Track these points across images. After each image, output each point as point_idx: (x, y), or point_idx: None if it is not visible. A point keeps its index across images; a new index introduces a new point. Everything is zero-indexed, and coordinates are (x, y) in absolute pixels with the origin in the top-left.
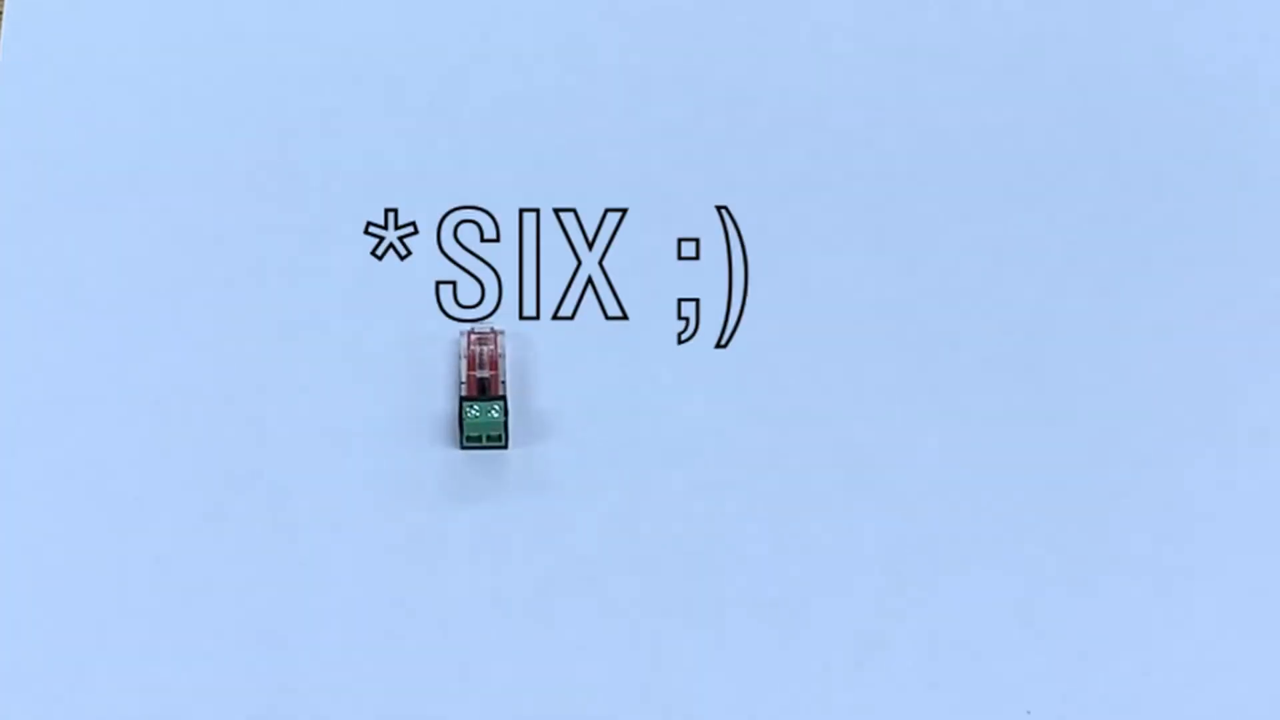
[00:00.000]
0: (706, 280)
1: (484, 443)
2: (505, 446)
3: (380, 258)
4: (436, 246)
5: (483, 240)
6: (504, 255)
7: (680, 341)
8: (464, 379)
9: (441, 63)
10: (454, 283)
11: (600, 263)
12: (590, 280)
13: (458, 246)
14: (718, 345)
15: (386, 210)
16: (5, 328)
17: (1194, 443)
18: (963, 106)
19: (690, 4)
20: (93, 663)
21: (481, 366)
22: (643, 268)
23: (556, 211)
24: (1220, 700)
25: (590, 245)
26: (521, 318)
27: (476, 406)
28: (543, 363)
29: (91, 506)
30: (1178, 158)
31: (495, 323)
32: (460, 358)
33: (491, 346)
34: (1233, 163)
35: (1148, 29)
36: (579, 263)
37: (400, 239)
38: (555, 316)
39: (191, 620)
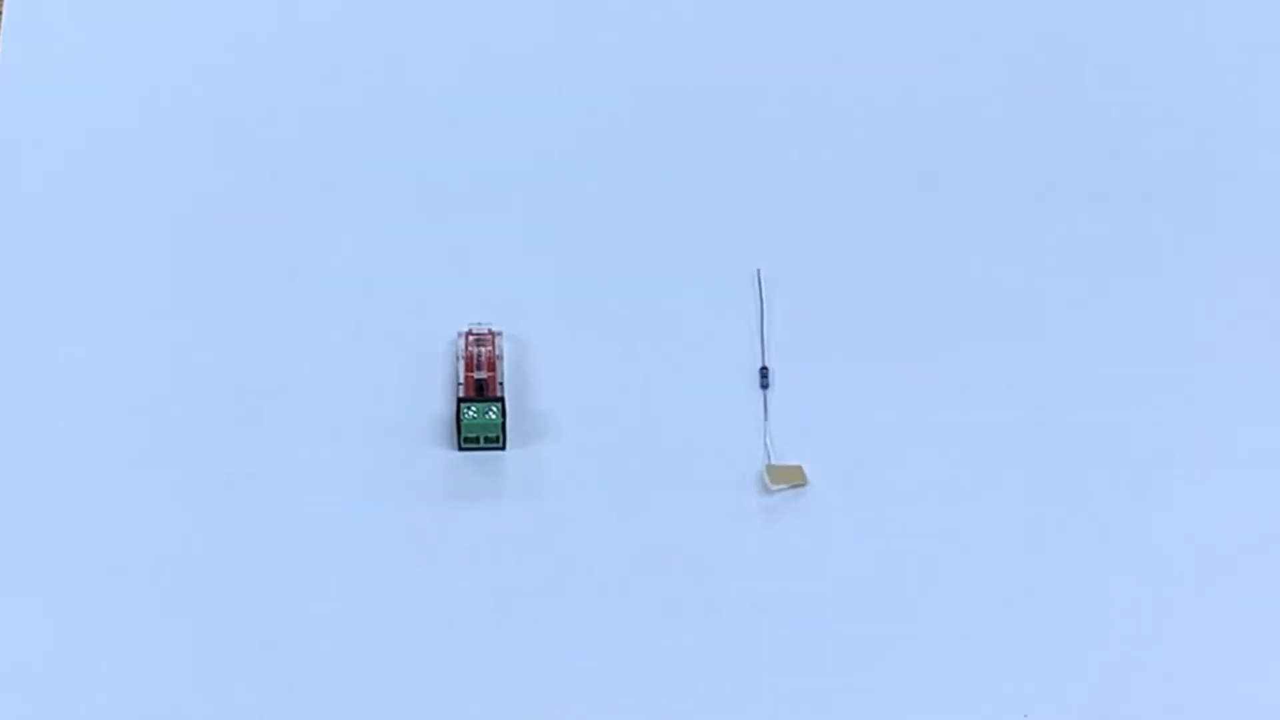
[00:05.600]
0: (704, 281)
1: (482, 444)
2: (503, 447)
3: (379, 258)
4: (436, 247)
5: (482, 241)
6: (503, 256)
7: (678, 343)
8: (462, 380)
9: (443, 64)
10: (453, 283)
11: (598, 265)
12: (588, 282)
13: (457, 247)
14: (715, 346)
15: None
16: (5, 328)
17: (1194, 445)
18: (963, 107)
19: (690, 9)
20: (92, 661)
21: (479, 368)
22: (641, 270)
23: (556, 213)
24: (1220, 700)
25: (588, 247)
26: (519, 319)
27: (474, 407)
28: (540, 364)
29: (91, 505)
30: (1178, 160)
31: (493, 324)
32: (458, 359)
33: (489, 348)
34: (1233, 164)
35: (1148, 29)
36: (577, 264)
37: (399, 240)
38: (553, 318)
39: (191, 619)
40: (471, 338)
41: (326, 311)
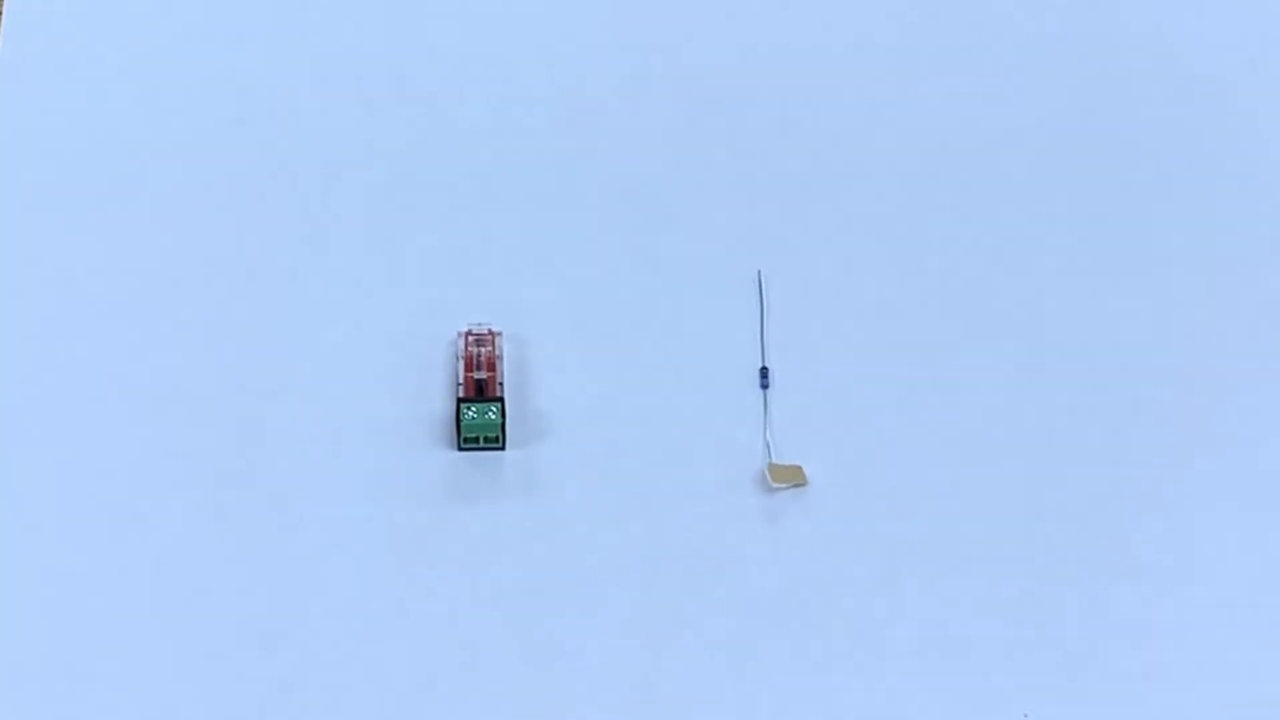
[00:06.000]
0: (704, 281)
1: (481, 444)
2: (503, 448)
3: (379, 258)
4: (436, 247)
5: (481, 242)
6: (503, 256)
7: (678, 343)
8: (462, 380)
9: (442, 64)
10: (452, 284)
11: (598, 264)
12: (588, 282)
13: (457, 248)
14: (715, 346)
15: (386, 212)
16: (6, 328)
17: (1195, 442)
18: (963, 106)
19: (691, 9)
20: (92, 661)
21: (479, 368)
22: (641, 270)
23: (556, 213)
24: (1220, 701)
25: (588, 247)
26: (519, 319)
27: (474, 408)
28: (540, 364)
29: (92, 505)
30: (1178, 158)
31: (493, 324)
32: (458, 359)
33: (489, 348)
34: (1233, 163)
35: (1148, 29)
36: (577, 264)
37: (399, 240)
38: (553, 318)
39: (191, 619)
40: (471, 338)
41: (326, 311)
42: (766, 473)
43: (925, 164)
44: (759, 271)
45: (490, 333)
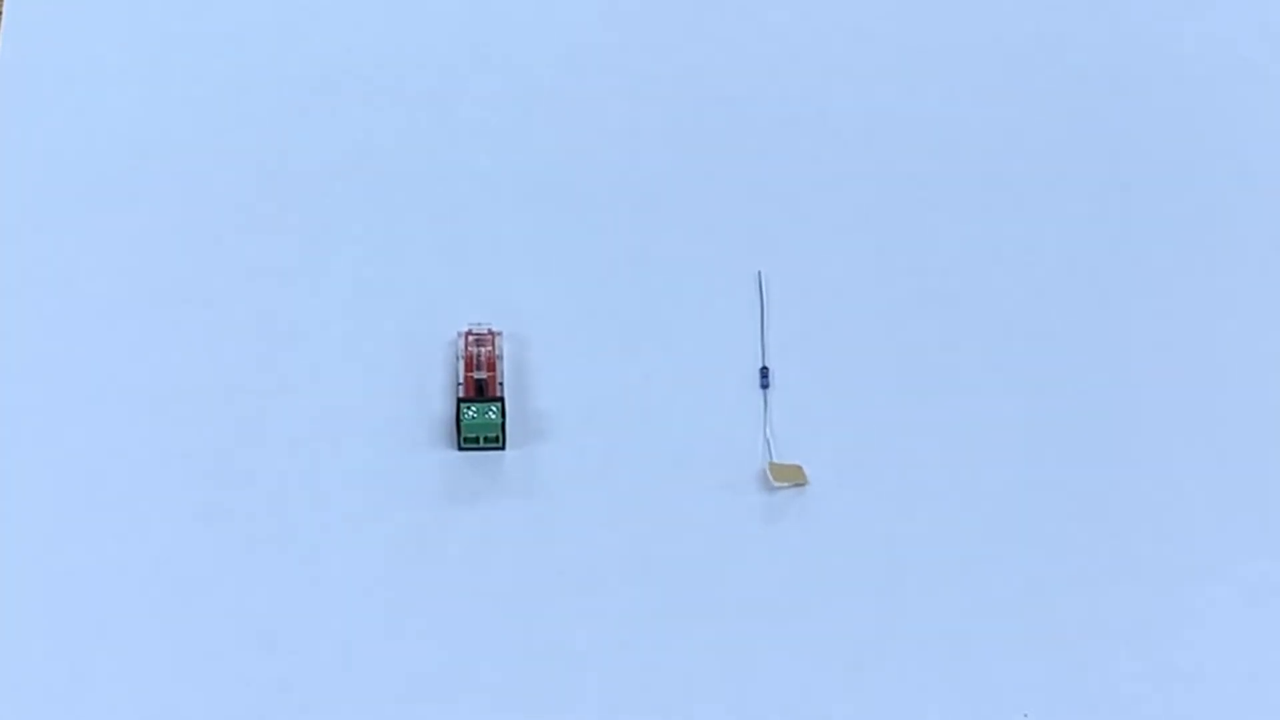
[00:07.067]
0: (704, 281)
1: (481, 444)
2: (503, 447)
3: (379, 258)
4: (436, 247)
5: (481, 242)
6: (503, 256)
7: (678, 343)
8: (462, 380)
9: (442, 64)
10: (452, 284)
11: (598, 264)
12: (588, 282)
13: (457, 248)
14: (715, 346)
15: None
16: (6, 328)
17: (1195, 442)
18: (962, 107)
19: (691, 10)
20: (90, 661)
21: (479, 368)
22: (641, 270)
23: (556, 213)
24: (1220, 701)
25: (589, 247)
26: (519, 319)
27: (474, 408)
28: (540, 364)
29: (91, 505)
30: (1177, 157)
31: (493, 324)
32: (458, 359)
33: (489, 348)
34: (1232, 162)
35: (1148, 29)
36: (577, 264)
37: (399, 240)
38: (553, 318)
39: (190, 619)
40: (471, 338)
41: (326, 312)
42: (767, 471)
43: (925, 164)
44: (759, 271)
45: (490, 333)
